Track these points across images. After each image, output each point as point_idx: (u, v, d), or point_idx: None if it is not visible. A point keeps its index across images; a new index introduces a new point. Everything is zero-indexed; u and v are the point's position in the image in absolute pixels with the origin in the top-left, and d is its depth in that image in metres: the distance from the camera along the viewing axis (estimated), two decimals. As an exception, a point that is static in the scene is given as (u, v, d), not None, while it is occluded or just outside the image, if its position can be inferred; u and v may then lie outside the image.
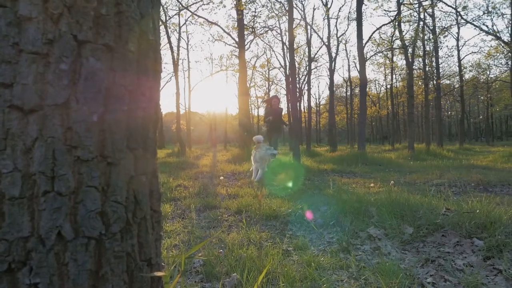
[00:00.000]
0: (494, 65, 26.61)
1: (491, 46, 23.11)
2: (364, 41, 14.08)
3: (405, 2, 16.69)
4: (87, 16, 0.66)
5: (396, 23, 16.01)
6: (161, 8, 16.47)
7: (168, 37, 18.16)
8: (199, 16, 15.93)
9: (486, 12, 20.24)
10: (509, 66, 14.62)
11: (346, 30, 48.11)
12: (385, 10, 22.24)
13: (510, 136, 38.47)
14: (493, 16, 21.59)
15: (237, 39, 14.75)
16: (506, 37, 18.03)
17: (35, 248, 0.62)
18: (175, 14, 18.25)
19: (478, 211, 2.76)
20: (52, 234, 0.63)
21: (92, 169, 0.67)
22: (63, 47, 0.64)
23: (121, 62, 0.71)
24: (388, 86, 31.26)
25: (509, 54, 14.05)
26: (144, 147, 0.77)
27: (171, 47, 18.29)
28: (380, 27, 17.73)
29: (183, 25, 21.09)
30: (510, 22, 12.82)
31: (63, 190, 0.64)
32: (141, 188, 0.75)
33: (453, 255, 2.28)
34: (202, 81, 46.12)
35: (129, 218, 0.71)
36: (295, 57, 11.43)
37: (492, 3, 20.42)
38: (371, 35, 18.82)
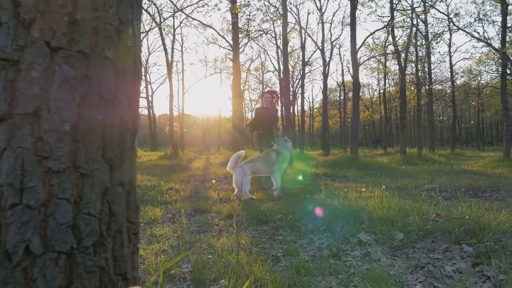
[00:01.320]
0: (485, 71, 26.88)
1: (482, 52, 23.36)
2: (357, 46, 14.16)
3: (398, 8, 16.84)
4: (61, 22, 0.64)
5: (389, 29, 16.14)
6: (157, 10, 16.33)
7: (163, 39, 18.08)
8: (193, 19, 15.90)
9: (477, 19, 20.50)
10: (500, 72, 14.80)
11: (340, 35, 48.38)
12: (378, 15, 22.54)
13: (500, 142, 38.91)
14: (484, 23, 21.93)
15: (231, 42, 14.74)
16: (496, 44, 18.28)
17: (1, 264, 0.59)
18: (170, 16, 18.14)
19: (467, 217, 2.77)
20: (20, 249, 0.60)
21: (63, 180, 0.64)
22: (34, 53, 0.62)
23: (97, 69, 0.68)
24: (381, 91, 31.47)
25: (500, 60, 14.22)
26: (121, 157, 0.74)
27: (165, 49, 18.21)
28: (374, 32, 17.88)
29: (177, 27, 21.00)
30: (501, 29, 12.98)
31: (32, 202, 0.61)
32: (117, 200, 0.72)
33: (443, 261, 2.28)
34: (196, 83, 45.95)
35: (103, 231, 0.69)
36: (289, 61, 11.47)
37: (483, 10, 20.68)
38: (365, 40, 19.00)
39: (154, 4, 15.78)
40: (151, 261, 2.44)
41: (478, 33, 22.65)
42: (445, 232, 2.62)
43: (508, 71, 15.82)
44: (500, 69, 14.80)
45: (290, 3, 22.85)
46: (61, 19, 0.64)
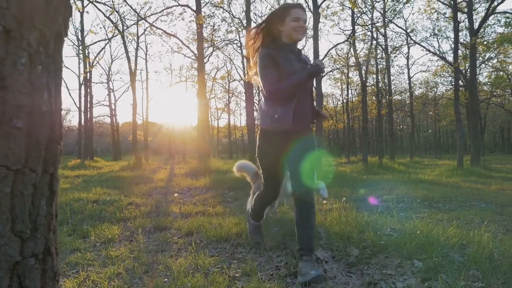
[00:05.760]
0: (441, 83, 28.43)
1: (437, 65, 24.70)
2: (321, 58, 14.51)
3: (359, 22, 17.47)
4: None
5: (351, 42, 16.70)
6: (119, 18, 15.84)
7: (125, 47, 17.75)
8: (157, 28, 15.70)
9: (433, 34, 21.74)
10: (453, 84, 15.70)
11: (304, 46, 48.99)
12: (341, 28, 23.28)
13: (455, 150, 41.11)
14: (439, 38, 23.19)
15: (196, 52, 14.68)
16: (450, 58, 19.31)
17: None
18: (133, 24, 17.82)
19: (418, 232, 2.88)
20: None
21: (-40, 262, 0.59)
22: None
23: (3, 141, 0.64)
24: (345, 101, 32.36)
25: (453, 73, 15.08)
26: (33, 227, 0.70)
27: (128, 57, 17.86)
28: (336, 45, 18.44)
29: (141, 35, 20.71)
30: (454, 44, 13.81)
31: None
32: (28, 273, 0.68)
33: (394, 277, 2.34)
34: (161, 91, 45.23)
35: (11, 308, 0.63)
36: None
37: (438, 26, 21.91)
38: (328, 52, 19.48)
39: (117, 12, 15.46)
40: (103, 286, 2.34)
41: (433, 47, 23.93)
42: (397, 247, 2.69)
43: (461, 83, 16.77)
44: (453, 81, 15.68)
45: (255, 14, 23.11)
46: None
